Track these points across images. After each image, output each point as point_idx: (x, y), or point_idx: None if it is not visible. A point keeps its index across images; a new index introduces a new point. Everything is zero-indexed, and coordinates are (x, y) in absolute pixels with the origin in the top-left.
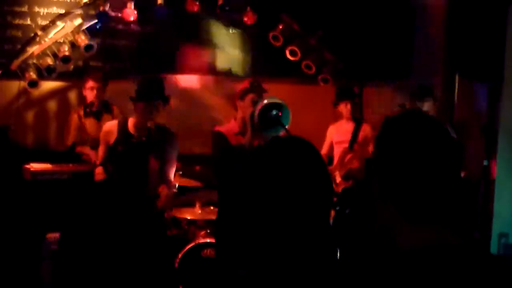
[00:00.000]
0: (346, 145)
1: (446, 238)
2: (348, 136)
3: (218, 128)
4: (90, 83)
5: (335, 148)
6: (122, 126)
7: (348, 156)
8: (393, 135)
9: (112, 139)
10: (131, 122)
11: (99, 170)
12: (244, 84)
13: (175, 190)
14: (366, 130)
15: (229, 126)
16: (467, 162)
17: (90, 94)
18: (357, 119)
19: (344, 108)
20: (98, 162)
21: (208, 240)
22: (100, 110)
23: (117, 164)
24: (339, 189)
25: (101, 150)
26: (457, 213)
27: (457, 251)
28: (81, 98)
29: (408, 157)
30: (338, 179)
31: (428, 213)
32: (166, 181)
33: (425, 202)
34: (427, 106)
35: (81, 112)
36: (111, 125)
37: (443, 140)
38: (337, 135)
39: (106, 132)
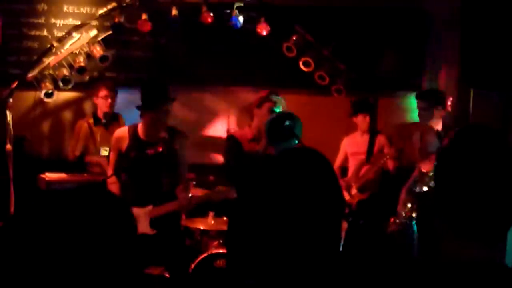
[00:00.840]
0: (362, 156)
1: (491, 258)
2: (363, 148)
3: (232, 134)
4: (104, 92)
5: (350, 159)
6: (133, 133)
7: (364, 168)
8: (455, 151)
9: (124, 145)
10: (141, 128)
11: (112, 180)
12: (262, 93)
13: (193, 184)
14: (381, 141)
15: (243, 132)
16: None
17: (103, 103)
18: (372, 131)
19: (363, 120)
20: (110, 169)
21: (220, 251)
22: (110, 120)
23: (131, 171)
24: (355, 201)
25: (112, 157)
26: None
27: (499, 271)
28: (93, 107)
29: (469, 174)
30: (354, 191)
31: (480, 231)
32: (183, 181)
33: (479, 220)
34: (425, 108)
35: (91, 121)
36: (122, 132)
37: (508, 158)
38: (351, 147)
39: (117, 138)
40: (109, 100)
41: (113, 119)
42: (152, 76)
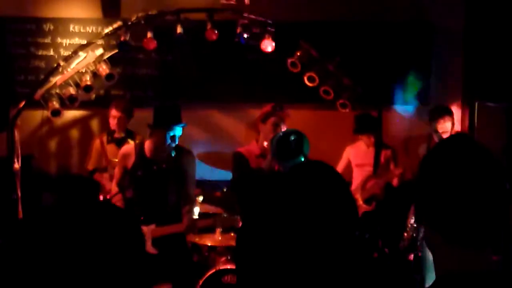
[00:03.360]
0: (368, 168)
1: (487, 264)
2: (369, 160)
3: (239, 149)
4: (113, 112)
5: (355, 170)
6: (139, 150)
7: (372, 181)
8: (438, 160)
9: (130, 163)
10: (147, 145)
11: (117, 199)
12: (267, 108)
13: (197, 206)
14: (387, 154)
15: (250, 148)
16: None
17: (112, 122)
18: (378, 144)
19: (367, 139)
20: (114, 185)
21: (228, 266)
22: (123, 138)
23: (137, 188)
24: (360, 212)
25: (117, 172)
26: (500, 237)
27: (496, 278)
28: (104, 125)
29: (453, 182)
30: (360, 202)
31: (471, 237)
32: (189, 200)
33: (469, 227)
34: (443, 126)
35: (104, 138)
36: (128, 149)
37: (490, 166)
38: (357, 158)
39: (123, 155)
40: (116, 121)
41: (127, 137)
42: (163, 96)
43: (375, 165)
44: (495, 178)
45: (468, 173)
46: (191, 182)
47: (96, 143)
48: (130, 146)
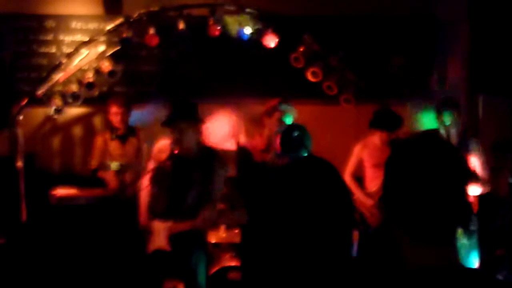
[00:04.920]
0: None
1: (450, 259)
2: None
3: (243, 144)
4: (114, 109)
5: (373, 171)
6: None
7: None
8: (400, 160)
9: (164, 157)
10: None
11: (146, 193)
12: (272, 102)
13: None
14: None
15: (255, 143)
16: (493, 179)
17: (115, 119)
18: (392, 140)
19: (386, 136)
20: (147, 178)
21: (233, 263)
22: (126, 134)
23: (159, 183)
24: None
25: (149, 167)
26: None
27: (460, 272)
28: (107, 122)
29: (413, 180)
30: None
31: (433, 234)
32: (211, 200)
33: (429, 224)
34: (451, 119)
35: (107, 136)
36: (163, 144)
37: (448, 163)
38: (372, 158)
39: (158, 150)
40: (119, 117)
41: (129, 133)
42: (166, 93)
43: None
44: (455, 179)
45: (428, 175)
46: (217, 186)
47: (99, 141)
48: (165, 141)
